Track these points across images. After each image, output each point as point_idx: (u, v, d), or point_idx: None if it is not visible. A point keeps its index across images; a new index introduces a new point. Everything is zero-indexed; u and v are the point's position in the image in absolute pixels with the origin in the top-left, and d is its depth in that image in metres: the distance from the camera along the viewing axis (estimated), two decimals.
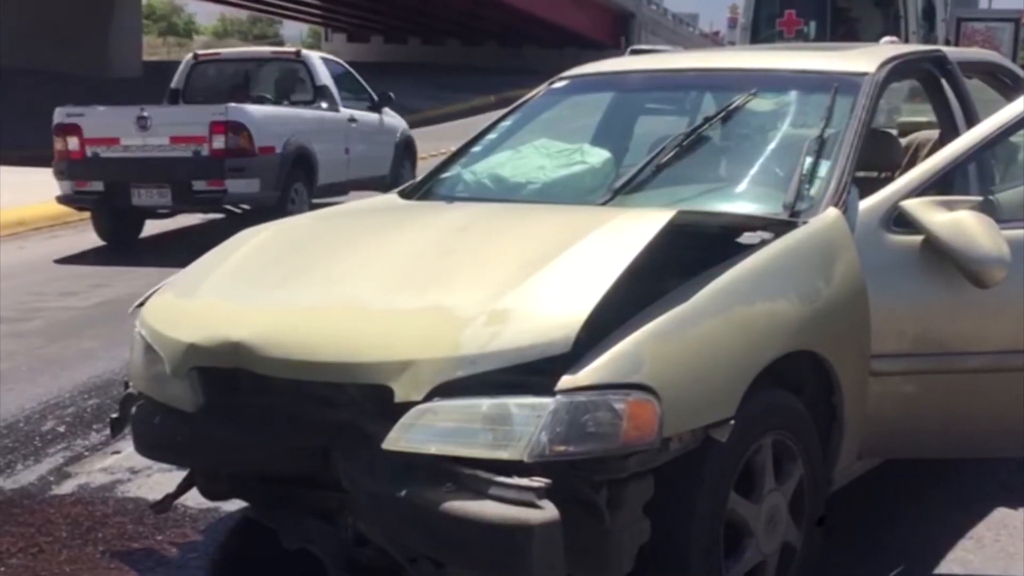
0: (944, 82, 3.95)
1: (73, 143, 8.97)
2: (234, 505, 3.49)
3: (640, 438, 2.44)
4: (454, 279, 2.87)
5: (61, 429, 4.52)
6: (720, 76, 4.05)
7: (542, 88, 4.40)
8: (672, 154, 3.52)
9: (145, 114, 8.97)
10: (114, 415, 3.29)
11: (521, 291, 2.67)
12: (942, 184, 3.25)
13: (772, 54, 4.60)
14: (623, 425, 2.42)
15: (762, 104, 3.74)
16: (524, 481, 2.36)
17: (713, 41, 60.33)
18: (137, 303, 3.31)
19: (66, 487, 3.91)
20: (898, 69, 3.76)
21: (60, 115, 9.19)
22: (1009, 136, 3.41)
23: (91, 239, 9.64)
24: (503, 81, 27.23)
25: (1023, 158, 4.19)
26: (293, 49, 11.62)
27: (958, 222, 3.03)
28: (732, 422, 2.58)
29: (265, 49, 12.92)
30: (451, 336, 2.57)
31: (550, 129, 4.15)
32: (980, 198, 3.19)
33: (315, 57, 11.00)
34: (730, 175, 3.62)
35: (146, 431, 3.09)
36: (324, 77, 10.46)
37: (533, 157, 3.86)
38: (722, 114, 3.63)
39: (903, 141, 4.64)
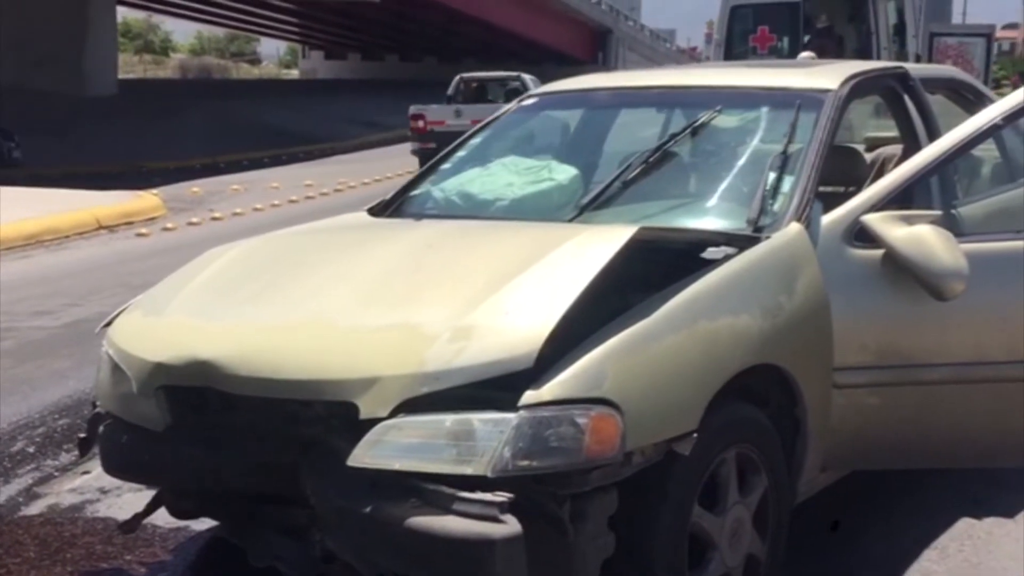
0: (907, 98, 4.00)
1: (421, 123, 17.27)
2: (203, 524, 3.49)
3: (602, 452, 2.46)
4: (420, 296, 2.89)
5: (31, 450, 4.50)
6: (686, 93, 4.09)
7: (512, 105, 4.44)
8: (639, 171, 3.56)
9: (460, 109, 17.03)
10: (82, 435, 3.29)
11: (486, 307, 2.69)
12: (903, 198, 3.29)
13: (737, 71, 4.65)
14: (585, 439, 2.44)
15: (727, 121, 3.78)
16: (487, 496, 2.38)
17: (691, 57, 60.80)
18: (104, 322, 3.31)
19: (35, 508, 3.89)
20: (861, 86, 3.81)
21: (414, 109, 17.55)
22: (968, 150, 3.47)
23: (64, 258, 9.62)
24: None
25: (987, 171, 4.26)
26: (515, 73, 19.47)
27: (917, 236, 3.08)
28: (695, 435, 2.61)
29: (500, 74, 20.46)
30: (416, 353, 2.59)
31: (519, 146, 4.19)
32: (939, 212, 3.24)
33: (528, 77, 18.39)
34: (696, 191, 3.66)
35: (114, 451, 3.09)
36: (534, 90, 17.18)
37: (502, 174, 3.89)
38: (688, 131, 3.68)
39: (870, 156, 4.71)
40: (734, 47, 13.25)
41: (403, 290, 2.96)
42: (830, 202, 3.35)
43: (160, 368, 2.88)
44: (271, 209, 12.74)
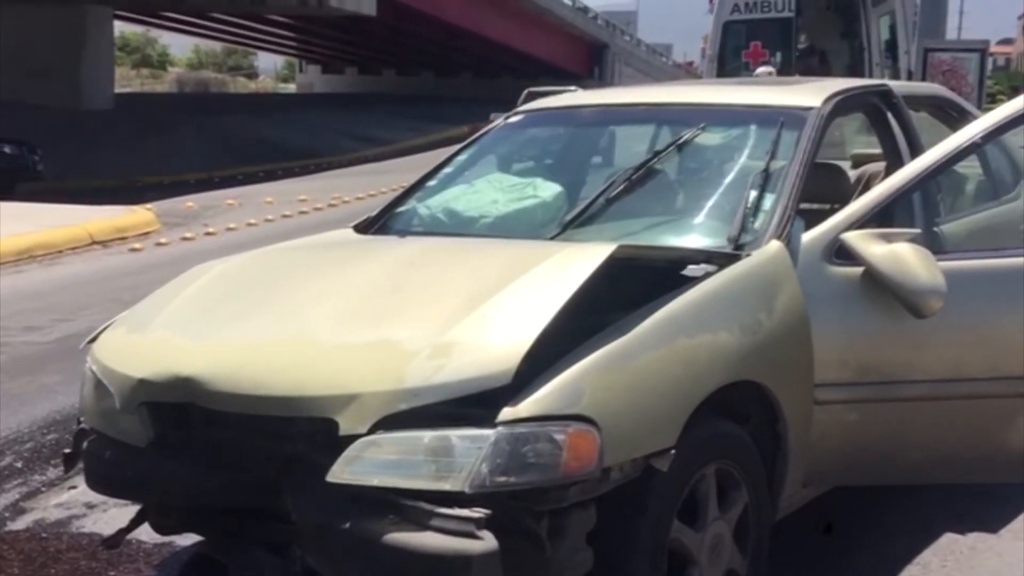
0: (890, 115, 4.04)
1: None
2: (188, 539, 3.49)
3: (580, 468, 2.48)
4: (401, 313, 2.91)
5: (19, 465, 4.51)
6: (671, 111, 4.11)
7: (499, 122, 4.46)
8: (622, 188, 3.58)
9: None
10: (67, 450, 3.31)
11: (465, 325, 2.71)
12: (883, 216, 3.30)
13: (722, 88, 4.69)
14: (563, 456, 2.46)
15: (710, 138, 3.81)
16: (464, 512, 2.40)
17: (687, 71, 60.98)
18: (89, 338, 3.33)
19: (21, 523, 3.90)
20: (844, 103, 3.83)
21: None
22: (948, 168, 3.47)
23: (57, 273, 9.64)
24: (477, 112, 27.37)
25: (971, 189, 4.28)
26: (573, 88, 17.73)
27: (896, 254, 3.10)
28: (673, 452, 2.63)
29: (561, 88, 19.02)
30: (395, 369, 2.61)
31: (505, 163, 4.21)
32: (917, 230, 3.26)
33: (578, 89, 17.08)
34: (678, 208, 3.68)
35: (97, 466, 3.11)
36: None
37: (487, 191, 3.92)
38: (671, 148, 3.71)
39: (856, 173, 4.74)
40: (727, 62, 13.28)
41: (384, 307, 2.98)
42: (815, 219, 3.37)
43: (143, 384, 2.89)
44: (265, 224, 12.76)
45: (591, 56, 48.05)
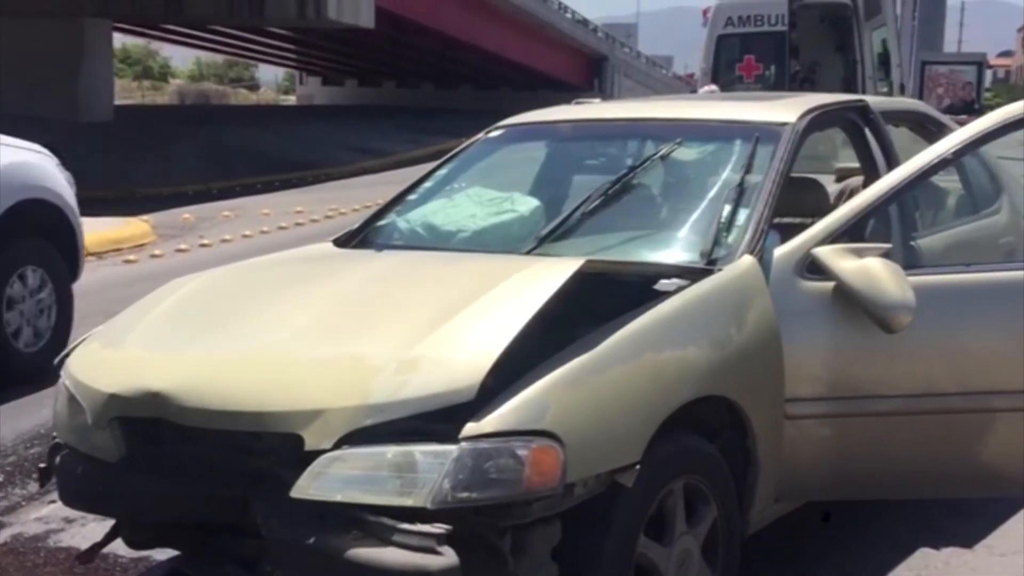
0: (867, 131, 4.06)
1: None
2: (164, 554, 3.49)
3: (543, 484, 2.49)
4: (370, 328, 2.92)
5: (0, 478, 4.52)
6: (649, 126, 4.13)
7: (480, 136, 4.48)
8: (598, 203, 3.60)
9: None
10: (42, 465, 3.32)
11: (431, 340, 2.73)
12: (856, 230, 3.32)
13: (700, 104, 4.72)
14: (526, 471, 2.47)
15: (687, 153, 3.83)
16: (425, 528, 2.41)
17: (687, 84, 61.00)
18: (63, 353, 3.34)
19: None
20: (819, 119, 3.86)
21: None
22: (919, 183, 3.48)
23: None
24: (477, 124, 27.18)
25: (951, 203, 4.29)
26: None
27: (866, 269, 3.11)
28: (638, 467, 2.63)
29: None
30: (361, 385, 2.62)
31: (485, 177, 4.22)
32: (888, 245, 3.27)
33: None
34: (654, 223, 3.69)
35: (70, 481, 3.11)
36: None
37: (466, 205, 3.93)
38: (647, 163, 3.73)
39: (839, 187, 4.76)
40: (720, 76, 13.36)
41: (353, 322, 2.99)
42: (792, 233, 3.37)
43: (114, 399, 2.91)
44: (260, 236, 12.76)
45: (591, 68, 48.08)
